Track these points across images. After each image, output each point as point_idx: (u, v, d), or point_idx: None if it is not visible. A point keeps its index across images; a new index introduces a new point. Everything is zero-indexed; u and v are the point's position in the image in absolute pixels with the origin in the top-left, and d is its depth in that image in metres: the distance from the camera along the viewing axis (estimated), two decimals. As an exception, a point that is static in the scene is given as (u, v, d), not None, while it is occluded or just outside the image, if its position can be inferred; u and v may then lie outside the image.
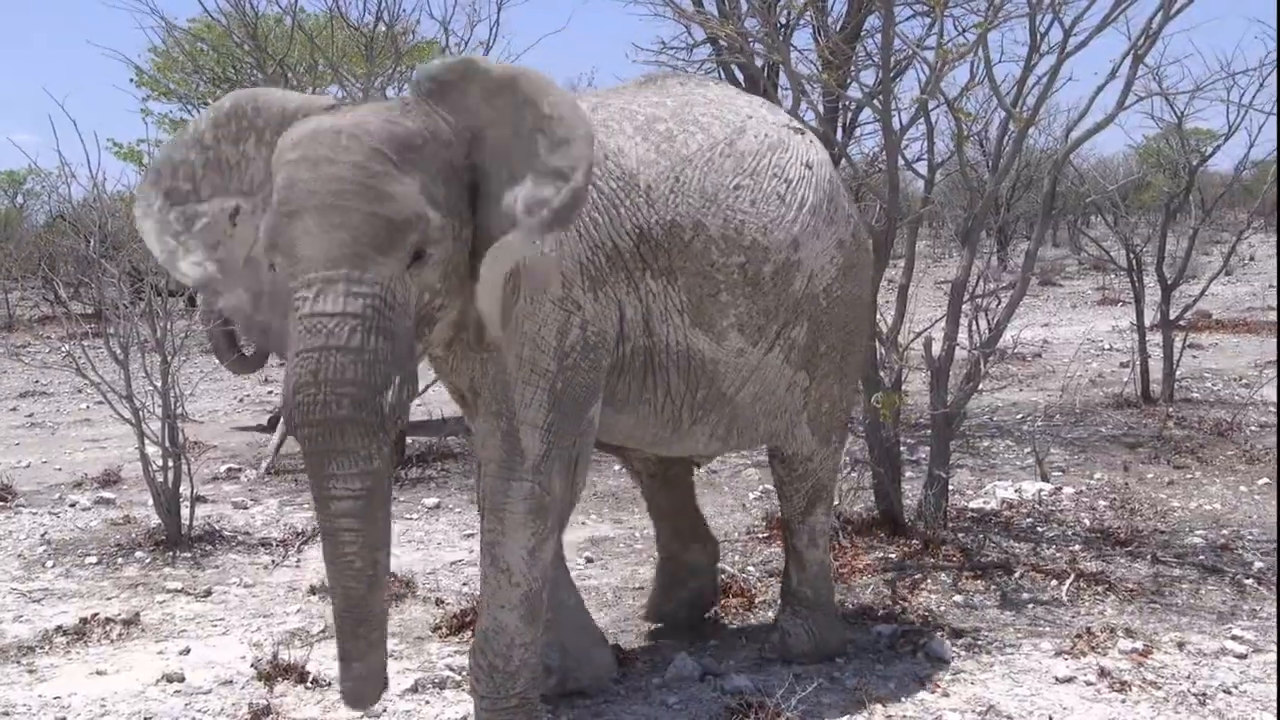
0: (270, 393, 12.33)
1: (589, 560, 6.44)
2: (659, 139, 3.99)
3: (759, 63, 8.26)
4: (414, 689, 4.65)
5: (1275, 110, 10.03)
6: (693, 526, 5.34)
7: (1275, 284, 13.23)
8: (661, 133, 4.01)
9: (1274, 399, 9.78)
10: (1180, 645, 4.99)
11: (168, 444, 6.75)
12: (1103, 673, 4.69)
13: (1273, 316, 15.38)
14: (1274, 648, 4.91)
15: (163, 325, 6.87)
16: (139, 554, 6.58)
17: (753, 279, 4.07)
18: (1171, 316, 10.67)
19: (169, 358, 6.84)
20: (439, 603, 5.71)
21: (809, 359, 4.35)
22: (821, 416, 4.52)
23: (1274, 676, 4.62)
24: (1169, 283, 10.79)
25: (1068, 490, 7.52)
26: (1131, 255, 11.03)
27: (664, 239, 3.89)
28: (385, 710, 4.46)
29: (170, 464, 6.69)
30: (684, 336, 4.02)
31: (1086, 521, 6.89)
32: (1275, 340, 12.44)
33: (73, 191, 21.04)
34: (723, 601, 5.58)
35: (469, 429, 4.40)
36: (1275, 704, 4.38)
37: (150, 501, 6.83)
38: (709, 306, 4.02)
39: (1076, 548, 6.35)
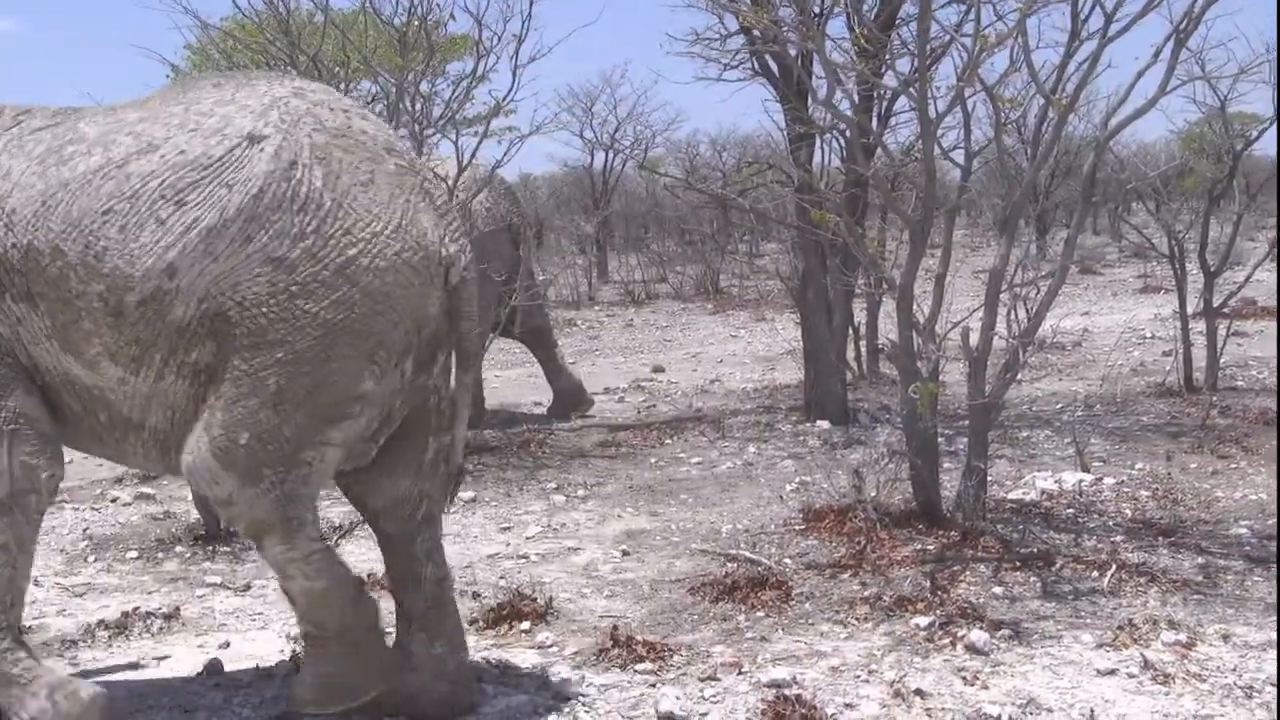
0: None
1: (625, 553, 6.43)
2: (55, 161, 3.98)
3: (793, 52, 8.23)
4: (451, 682, 4.65)
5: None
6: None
7: None
8: (64, 155, 3.99)
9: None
10: (1225, 637, 4.92)
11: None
12: (1146, 665, 4.62)
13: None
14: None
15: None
16: (179, 549, 6.63)
17: (115, 309, 3.88)
18: (1215, 304, 10.53)
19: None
20: (476, 596, 5.73)
21: (218, 375, 3.94)
22: (238, 448, 3.92)
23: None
24: (1212, 269, 10.64)
25: (1109, 481, 7.43)
26: (1173, 242, 10.88)
27: (20, 264, 3.90)
28: (422, 703, 4.46)
29: (209, 459, 6.72)
30: (59, 362, 4.00)
31: (1128, 512, 6.80)
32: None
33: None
34: (759, 594, 5.56)
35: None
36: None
37: (190, 497, 6.89)
38: (73, 334, 3.94)
39: (1118, 538, 6.27)
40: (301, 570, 4.12)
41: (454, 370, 4.33)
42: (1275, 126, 10.69)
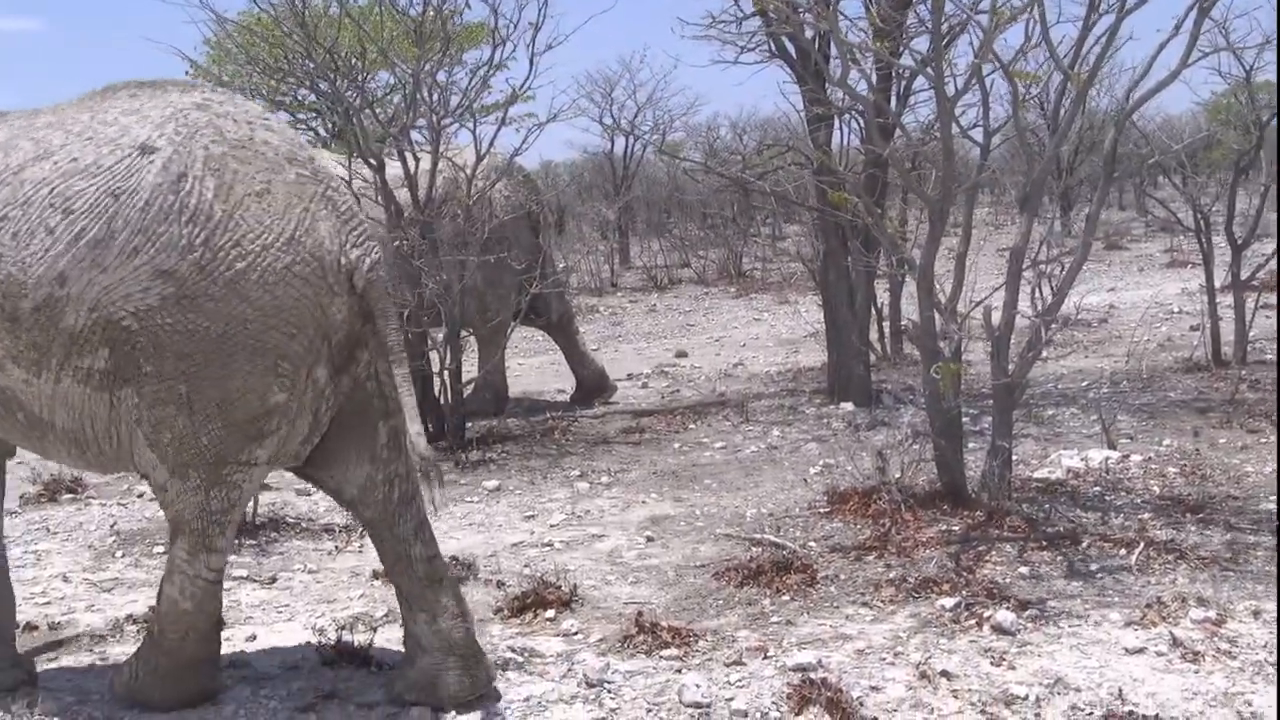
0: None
1: (649, 539, 6.43)
2: None
3: (809, 33, 8.17)
4: (476, 671, 4.66)
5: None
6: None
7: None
8: None
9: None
10: (1256, 614, 4.87)
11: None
12: (1174, 643, 4.59)
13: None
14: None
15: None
16: (206, 542, 6.66)
17: (11, 315, 4.01)
18: (1243, 277, 10.42)
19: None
20: (500, 585, 5.73)
21: (128, 378, 4.02)
22: (164, 446, 4.07)
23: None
24: (1240, 242, 10.52)
25: (1136, 458, 7.37)
26: (1199, 216, 10.78)
27: None
28: (448, 692, 4.47)
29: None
30: None
31: (1156, 489, 6.74)
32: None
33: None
34: (784, 578, 5.55)
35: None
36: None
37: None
38: None
39: (1146, 516, 6.22)
40: (182, 585, 4.28)
41: (383, 368, 4.31)
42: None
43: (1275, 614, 4.85)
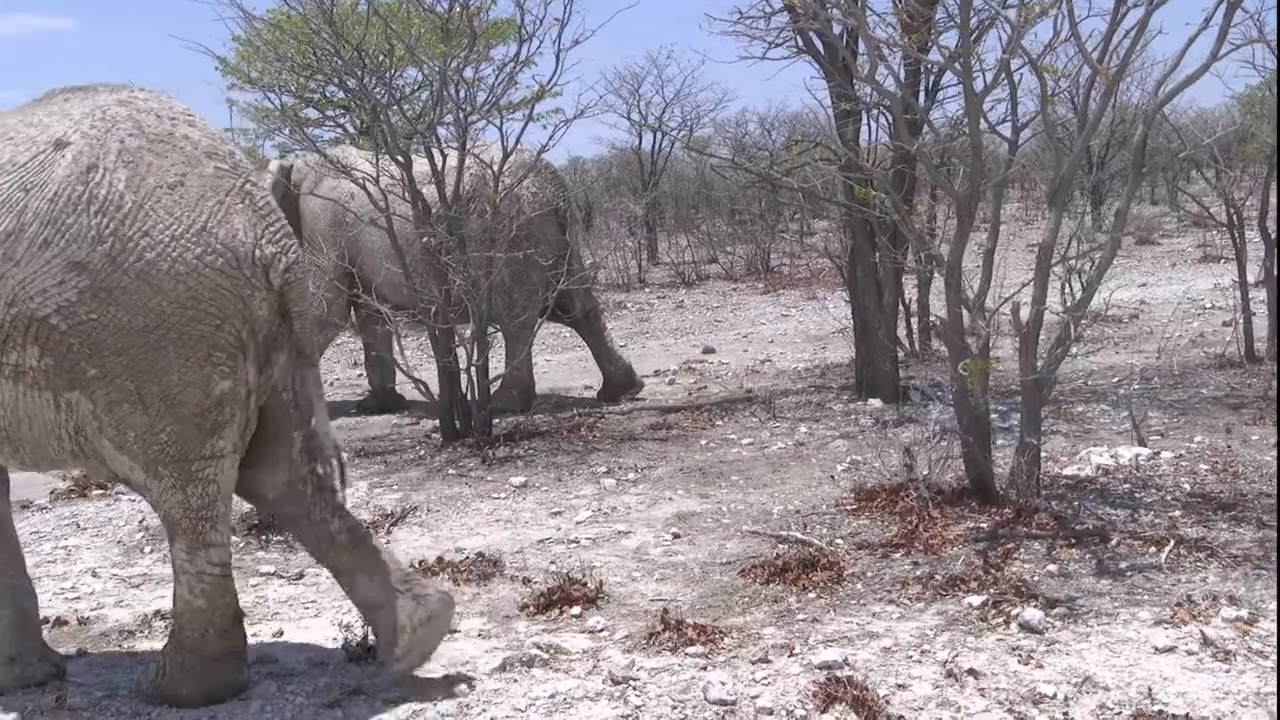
0: (359, 376, 12.47)
1: (676, 536, 6.41)
2: None
3: (836, 29, 8.14)
4: (502, 667, 4.68)
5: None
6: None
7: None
8: None
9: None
10: (1287, 613, 4.82)
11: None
12: (1205, 642, 4.54)
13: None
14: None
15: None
16: (233, 538, 6.69)
17: None
18: (1277, 272, 10.30)
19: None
20: (526, 581, 5.74)
21: (75, 382, 4.05)
22: (130, 445, 4.12)
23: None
24: (1273, 237, 10.41)
25: (1167, 454, 7.30)
26: (1232, 210, 10.67)
27: None
28: (474, 689, 4.49)
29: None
30: None
31: (1187, 486, 6.68)
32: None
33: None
34: (810, 575, 5.53)
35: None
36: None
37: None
38: None
39: (1176, 513, 6.16)
40: (189, 584, 4.35)
41: (299, 370, 4.43)
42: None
43: (1308, 613, 4.80)
